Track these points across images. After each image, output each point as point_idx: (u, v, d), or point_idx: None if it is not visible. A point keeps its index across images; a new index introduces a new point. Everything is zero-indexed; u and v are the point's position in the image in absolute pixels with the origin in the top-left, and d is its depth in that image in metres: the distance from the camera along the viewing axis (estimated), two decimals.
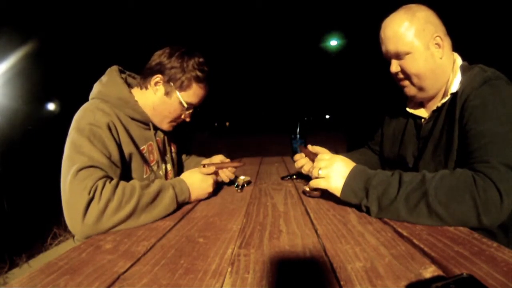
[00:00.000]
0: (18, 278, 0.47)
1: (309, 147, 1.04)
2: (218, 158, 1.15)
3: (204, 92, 1.02)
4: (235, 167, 1.09)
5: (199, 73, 0.96)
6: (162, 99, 0.98)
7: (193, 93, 0.99)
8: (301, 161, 1.06)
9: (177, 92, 0.97)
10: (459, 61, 0.89)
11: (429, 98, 0.93)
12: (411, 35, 0.84)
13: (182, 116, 1.04)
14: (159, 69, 0.96)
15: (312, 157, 1.02)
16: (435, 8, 0.88)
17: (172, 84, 0.96)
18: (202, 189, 0.92)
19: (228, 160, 1.14)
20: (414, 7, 0.87)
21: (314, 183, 0.81)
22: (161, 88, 0.97)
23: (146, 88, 0.99)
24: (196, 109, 1.05)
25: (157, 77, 0.96)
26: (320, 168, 0.80)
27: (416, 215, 0.64)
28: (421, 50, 0.84)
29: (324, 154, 0.84)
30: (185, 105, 0.99)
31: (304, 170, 1.06)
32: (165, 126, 1.04)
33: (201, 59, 0.98)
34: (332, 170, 0.77)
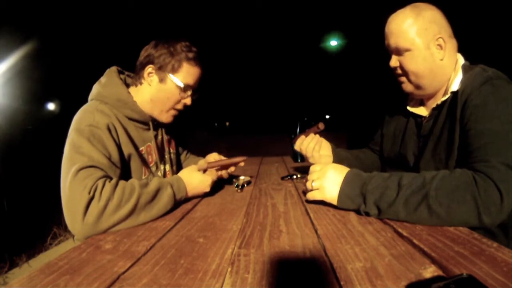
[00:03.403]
0: (18, 278, 0.47)
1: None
2: (212, 157, 1.14)
3: (197, 70, 1.02)
4: (236, 164, 1.08)
5: (188, 54, 0.98)
6: (158, 87, 0.98)
7: (186, 73, 0.99)
8: (297, 142, 1.11)
9: (170, 75, 0.97)
10: (461, 60, 0.88)
11: (427, 96, 0.93)
12: (413, 33, 0.84)
13: (182, 100, 1.03)
14: (149, 60, 0.97)
15: (307, 133, 1.08)
16: (437, 8, 0.87)
17: (164, 70, 0.97)
18: (199, 190, 0.93)
19: (222, 157, 1.12)
20: (421, 5, 0.87)
21: (310, 196, 0.80)
22: (154, 78, 0.98)
23: (141, 83, 1.00)
24: (195, 92, 1.04)
25: (149, 68, 0.97)
26: (313, 180, 0.79)
27: (417, 217, 0.64)
28: (421, 49, 0.84)
29: (315, 165, 0.83)
30: (181, 85, 0.98)
31: (300, 149, 1.11)
32: (165, 116, 1.03)
33: (187, 42, 1.00)
34: (325, 180, 0.76)
